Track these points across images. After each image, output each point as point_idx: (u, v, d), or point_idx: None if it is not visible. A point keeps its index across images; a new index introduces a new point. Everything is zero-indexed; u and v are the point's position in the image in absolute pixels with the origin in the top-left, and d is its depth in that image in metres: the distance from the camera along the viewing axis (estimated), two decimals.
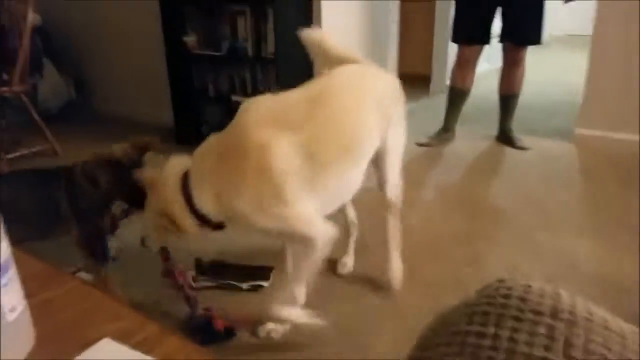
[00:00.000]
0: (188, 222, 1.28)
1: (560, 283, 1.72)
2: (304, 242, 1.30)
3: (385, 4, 3.55)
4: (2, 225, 0.46)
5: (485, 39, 2.95)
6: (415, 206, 2.33)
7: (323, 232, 1.29)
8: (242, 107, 1.30)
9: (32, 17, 2.60)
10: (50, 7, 3.72)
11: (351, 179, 1.39)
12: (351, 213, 1.84)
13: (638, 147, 2.83)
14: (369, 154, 1.43)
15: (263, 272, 1.79)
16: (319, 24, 2.96)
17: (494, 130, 3.22)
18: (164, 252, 1.47)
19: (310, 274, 1.37)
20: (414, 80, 4.57)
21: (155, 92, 3.52)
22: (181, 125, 3.31)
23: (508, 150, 3.08)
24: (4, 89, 2.65)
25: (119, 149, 1.50)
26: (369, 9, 3.41)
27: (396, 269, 1.71)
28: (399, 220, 1.69)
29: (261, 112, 1.26)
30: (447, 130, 3.21)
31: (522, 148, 3.07)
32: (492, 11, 2.89)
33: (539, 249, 1.95)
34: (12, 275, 0.46)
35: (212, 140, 1.29)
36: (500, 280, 0.35)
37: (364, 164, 1.42)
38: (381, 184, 1.61)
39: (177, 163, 1.31)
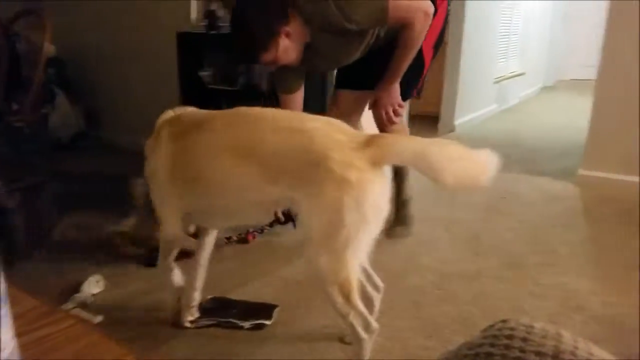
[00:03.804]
0: None
1: (563, 323, 1.70)
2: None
3: None
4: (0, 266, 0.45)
5: None
6: (425, 244, 2.34)
7: (169, 230, 1.55)
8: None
9: (47, 48, 2.66)
10: (66, 38, 3.82)
11: (216, 203, 1.46)
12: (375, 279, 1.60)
13: (639, 189, 2.87)
14: (230, 195, 1.41)
15: (266, 310, 1.75)
16: None
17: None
18: None
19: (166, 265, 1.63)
20: (426, 120, 4.65)
21: None
22: None
23: (515, 189, 3.08)
24: (15, 118, 2.68)
25: None
26: None
27: None
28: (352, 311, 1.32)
29: (185, 114, 1.56)
30: None
31: None
32: None
33: (544, 288, 1.94)
34: (4, 313, 0.45)
35: None
36: (504, 321, 0.35)
37: (226, 199, 1.43)
38: None
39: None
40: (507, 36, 5.50)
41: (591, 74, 3.29)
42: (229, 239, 2.31)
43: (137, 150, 1.72)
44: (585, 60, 5.93)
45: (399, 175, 2.27)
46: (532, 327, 0.34)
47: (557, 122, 5.10)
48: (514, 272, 2.07)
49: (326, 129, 1.30)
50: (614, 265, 2.14)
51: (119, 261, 2.13)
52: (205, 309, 1.75)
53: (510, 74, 5.71)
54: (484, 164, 1.23)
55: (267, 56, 1.82)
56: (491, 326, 0.36)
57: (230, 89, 3.17)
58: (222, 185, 1.40)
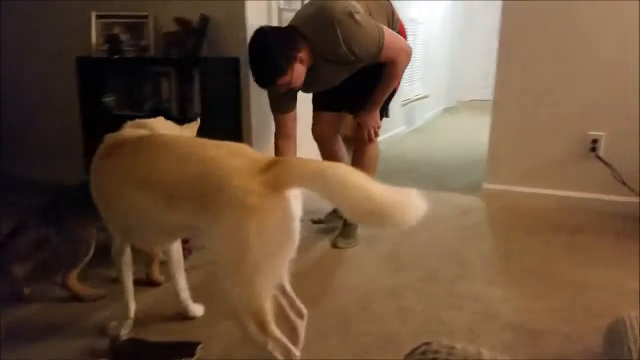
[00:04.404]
0: None
1: (480, 331, 1.77)
2: None
3: None
4: None
5: None
6: (347, 261, 2.36)
7: (115, 243, 1.68)
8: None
9: None
10: None
11: (124, 225, 1.55)
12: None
13: (537, 199, 3.14)
14: (134, 218, 1.47)
15: (188, 348, 1.63)
16: (247, 85, 2.94)
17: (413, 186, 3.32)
18: None
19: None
20: (343, 141, 4.72)
21: (69, 154, 3.33)
22: None
23: (427, 204, 3.19)
24: None
25: None
26: None
27: None
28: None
29: (113, 135, 1.65)
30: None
31: None
32: None
33: (459, 299, 2.01)
34: None
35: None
36: (427, 343, 0.35)
37: (132, 223, 1.50)
38: None
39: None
40: (411, 62, 5.81)
41: (488, 94, 3.55)
42: None
43: (38, 182, 1.59)
44: (482, 82, 6.43)
45: None
46: (453, 348, 0.34)
47: (460, 140, 5.43)
48: (432, 285, 2.14)
49: (225, 156, 1.28)
50: (521, 272, 2.28)
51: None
52: (120, 354, 1.62)
53: (416, 97, 6.02)
54: (391, 204, 1.18)
55: (284, 79, 2.13)
56: (415, 349, 0.36)
57: (136, 114, 3.02)
58: (125, 209, 1.46)
